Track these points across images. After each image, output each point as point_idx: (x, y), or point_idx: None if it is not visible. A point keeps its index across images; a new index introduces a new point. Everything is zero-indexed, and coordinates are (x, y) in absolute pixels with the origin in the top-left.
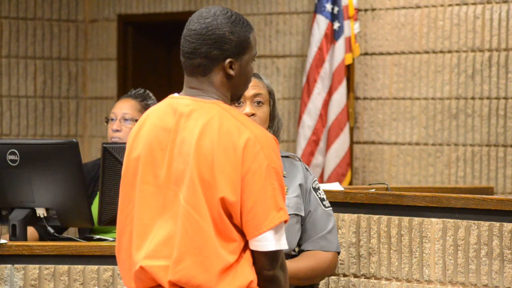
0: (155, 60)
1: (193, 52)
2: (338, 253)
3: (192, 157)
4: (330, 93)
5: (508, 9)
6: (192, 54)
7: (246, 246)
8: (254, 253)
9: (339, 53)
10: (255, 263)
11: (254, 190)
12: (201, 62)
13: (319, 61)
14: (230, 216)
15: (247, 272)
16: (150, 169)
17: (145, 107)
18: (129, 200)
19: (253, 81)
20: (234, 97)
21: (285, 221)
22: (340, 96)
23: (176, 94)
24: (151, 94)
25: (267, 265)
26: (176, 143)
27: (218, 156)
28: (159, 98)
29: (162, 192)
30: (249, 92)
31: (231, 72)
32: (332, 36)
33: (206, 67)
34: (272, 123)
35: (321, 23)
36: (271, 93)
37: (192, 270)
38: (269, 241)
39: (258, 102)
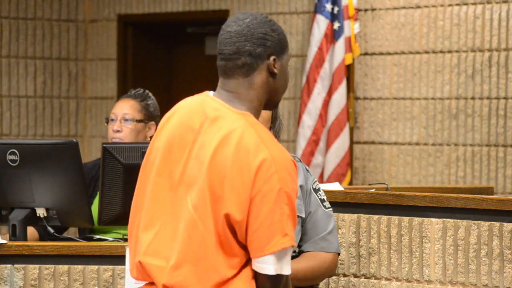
0: (155, 60)
1: (237, 51)
2: (338, 253)
3: (206, 166)
4: (330, 93)
5: (508, 9)
6: (236, 54)
7: (248, 262)
8: (256, 272)
9: (339, 53)
10: (256, 281)
11: (262, 213)
12: (246, 61)
13: (319, 61)
14: (234, 232)
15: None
16: (167, 163)
17: (145, 107)
18: (144, 187)
19: None
20: (272, 103)
21: (292, 246)
22: (340, 96)
23: (211, 93)
24: (150, 94)
25: (267, 286)
26: (196, 145)
27: (231, 172)
28: (159, 98)
29: (174, 189)
30: None
31: (275, 70)
32: (332, 36)
33: (250, 66)
34: (274, 124)
35: (321, 23)
36: None
37: (188, 279)
38: (269, 264)
39: None
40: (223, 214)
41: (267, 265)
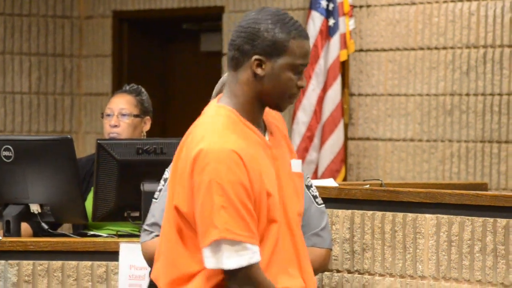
0: (150, 56)
1: (230, 44)
2: (331, 249)
3: (174, 160)
4: (324, 90)
5: (503, 5)
6: (230, 46)
7: None
8: None
9: (334, 50)
10: None
11: (197, 205)
12: (234, 55)
13: (314, 57)
14: (192, 226)
15: (196, 285)
16: (176, 161)
17: (140, 102)
18: None
19: None
20: (268, 105)
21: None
22: (334, 92)
23: None
24: (143, 89)
25: (227, 278)
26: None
27: (181, 164)
28: (154, 94)
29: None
30: None
31: (258, 71)
32: (327, 32)
33: (237, 61)
34: None
35: (316, 20)
36: None
37: (160, 270)
38: (207, 258)
39: None
40: (173, 206)
41: (206, 259)
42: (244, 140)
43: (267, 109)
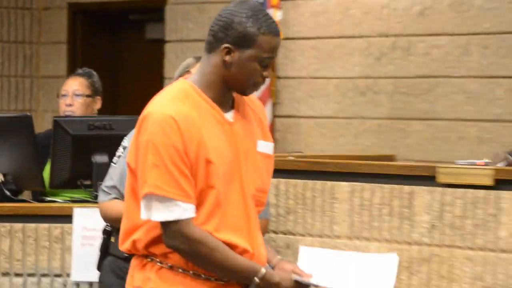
0: (101, 44)
1: (210, 29)
2: (269, 219)
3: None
4: None
5: (411, 0)
6: (209, 31)
7: None
8: None
9: None
10: None
11: (137, 162)
12: (210, 40)
13: None
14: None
15: (139, 234)
16: None
17: (92, 84)
18: None
19: None
20: (235, 89)
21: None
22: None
23: None
24: (94, 72)
25: (162, 232)
26: None
27: (136, 127)
28: (104, 76)
29: None
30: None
31: (226, 58)
32: None
33: (212, 46)
34: None
35: None
36: None
37: (122, 225)
38: (142, 210)
39: None
40: (127, 163)
41: (141, 211)
42: (194, 110)
43: (250, 97)
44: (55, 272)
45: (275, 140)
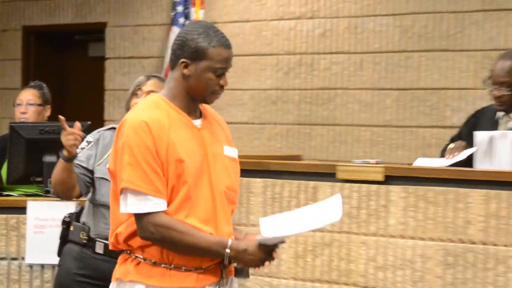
0: (50, 60)
1: (171, 49)
2: None
3: None
4: None
5: (313, 23)
6: (170, 50)
7: None
8: None
9: None
10: None
11: (116, 164)
12: (171, 58)
13: None
14: None
15: (120, 228)
16: None
17: (42, 94)
18: None
19: (153, 81)
20: (197, 99)
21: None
22: None
23: None
24: (44, 85)
25: (136, 226)
26: None
27: (115, 134)
28: (54, 89)
29: None
30: (147, 88)
31: (185, 71)
32: None
33: (173, 63)
34: None
35: (176, 32)
36: None
37: (110, 227)
38: (120, 204)
39: None
40: (108, 169)
41: (120, 205)
42: (164, 116)
43: (212, 112)
44: (11, 256)
45: None
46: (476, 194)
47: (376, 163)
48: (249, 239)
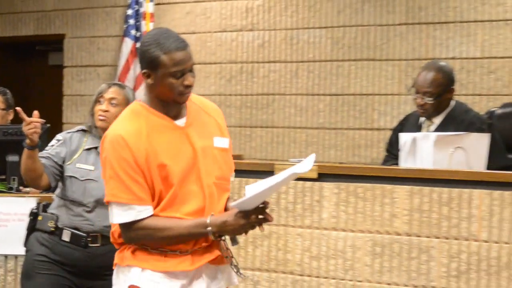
0: (14, 68)
1: None
2: None
3: None
4: (134, 90)
5: (253, 35)
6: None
7: None
8: None
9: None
10: None
11: (103, 176)
12: (141, 69)
13: (126, 69)
14: None
15: (115, 227)
16: None
17: (6, 99)
18: None
19: (113, 89)
20: (168, 101)
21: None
22: (140, 92)
23: None
24: (8, 91)
25: (121, 233)
26: None
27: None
28: (16, 94)
29: None
30: (108, 95)
31: (148, 81)
32: (135, 52)
33: (141, 73)
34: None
35: (128, 43)
36: (129, 99)
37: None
38: (109, 215)
39: (113, 103)
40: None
41: (109, 216)
42: (143, 124)
43: (205, 103)
44: None
45: None
46: (401, 190)
47: None
48: (230, 210)
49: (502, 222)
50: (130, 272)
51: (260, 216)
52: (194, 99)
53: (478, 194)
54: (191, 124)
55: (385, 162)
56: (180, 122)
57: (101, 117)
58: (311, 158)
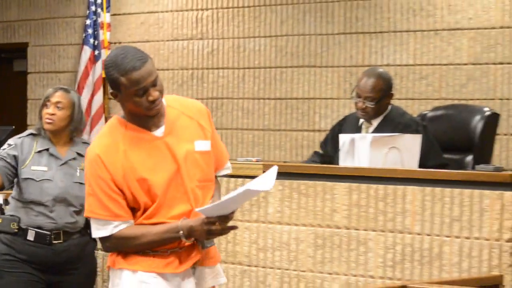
0: None
1: None
2: None
3: None
4: (92, 95)
5: (203, 43)
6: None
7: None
8: None
9: (98, 70)
10: None
11: None
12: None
13: (86, 74)
14: None
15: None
16: None
17: None
18: None
19: (59, 93)
20: (140, 115)
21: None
22: (98, 97)
23: None
24: None
25: (101, 245)
26: None
27: None
28: None
29: None
30: (54, 99)
31: (117, 100)
32: (94, 59)
33: (110, 93)
34: (72, 121)
35: (87, 51)
36: (74, 102)
37: None
38: (91, 229)
39: (59, 107)
40: None
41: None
42: (120, 140)
43: (188, 106)
44: None
45: None
46: (341, 187)
47: (257, 161)
48: (199, 216)
49: (433, 216)
50: (122, 275)
51: (223, 225)
52: (174, 103)
53: (411, 190)
54: (170, 132)
55: (308, 159)
56: (159, 132)
57: (48, 120)
58: (273, 172)
